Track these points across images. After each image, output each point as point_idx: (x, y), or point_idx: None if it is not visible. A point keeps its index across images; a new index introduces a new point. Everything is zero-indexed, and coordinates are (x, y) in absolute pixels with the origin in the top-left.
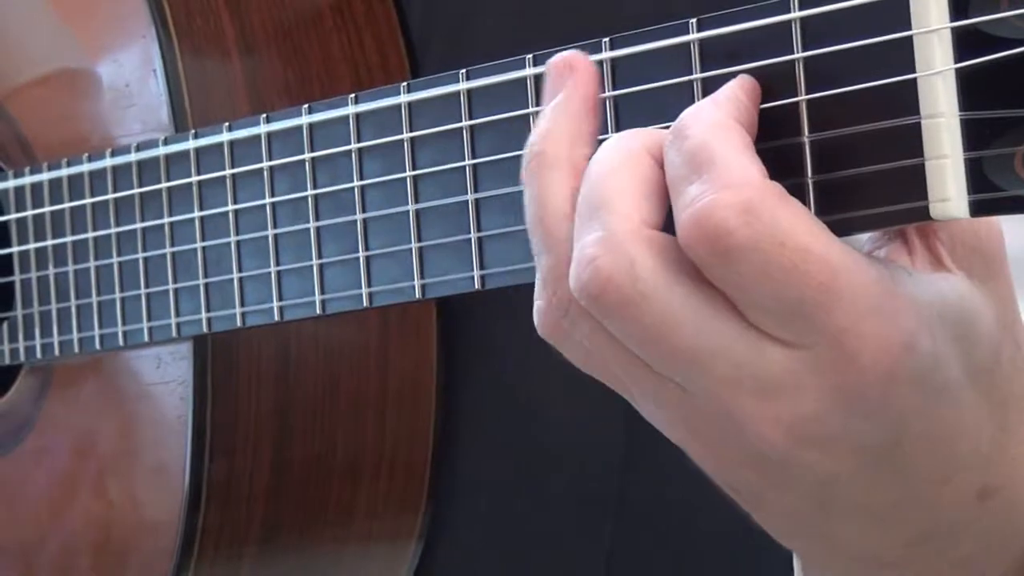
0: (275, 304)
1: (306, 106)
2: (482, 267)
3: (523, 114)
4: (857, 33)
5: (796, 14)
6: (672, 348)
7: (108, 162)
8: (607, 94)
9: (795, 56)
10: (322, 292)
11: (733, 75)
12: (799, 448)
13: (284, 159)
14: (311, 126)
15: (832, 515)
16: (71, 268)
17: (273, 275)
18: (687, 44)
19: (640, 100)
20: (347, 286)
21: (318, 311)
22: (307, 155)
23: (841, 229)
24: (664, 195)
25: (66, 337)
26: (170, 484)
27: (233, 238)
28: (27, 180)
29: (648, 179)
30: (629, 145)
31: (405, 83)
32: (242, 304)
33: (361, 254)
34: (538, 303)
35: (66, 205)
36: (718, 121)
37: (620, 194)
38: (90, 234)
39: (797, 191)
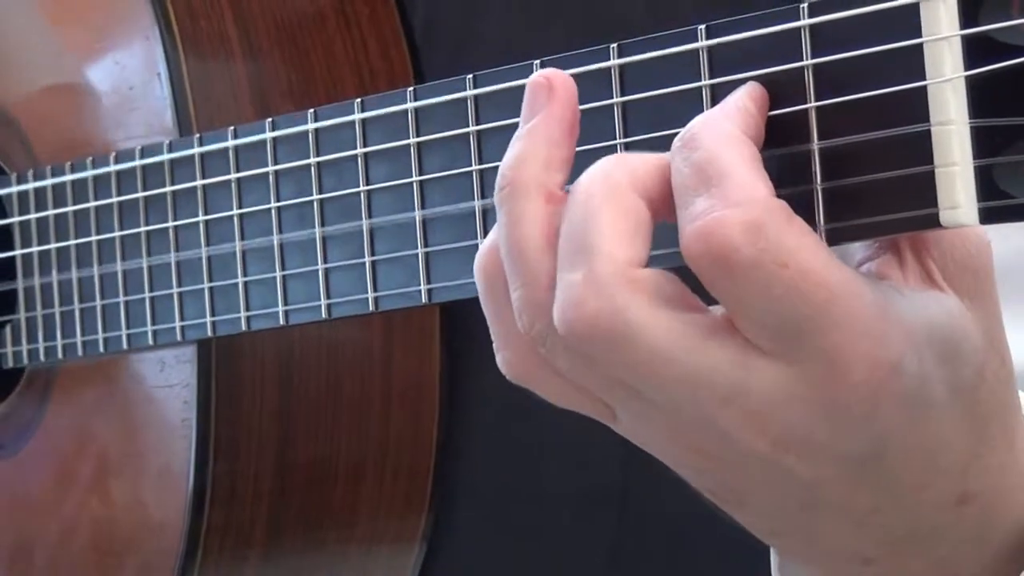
0: (280, 308)
1: (312, 111)
2: None
3: None
4: (867, 40)
5: (805, 21)
6: (663, 379)
7: (112, 167)
8: (615, 100)
9: (804, 63)
10: (328, 296)
11: (742, 83)
12: (783, 455)
13: (289, 164)
14: (317, 131)
15: (813, 516)
16: (74, 271)
17: (278, 279)
18: (696, 51)
19: (648, 106)
20: (353, 290)
21: (324, 315)
22: (312, 160)
23: (850, 236)
24: (649, 231)
25: (69, 340)
26: (174, 486)
27: (238, 242)
28: (30, 184)
29: (632, 216)
30: (614, 179)
31: (412, 88)
32: (247, 308)
33: (367, 259)
34: (504, 341)
35: (69, 208)
36: (729, 134)
37: (605, 233)
38: (94, 238)
39: (806, 198)
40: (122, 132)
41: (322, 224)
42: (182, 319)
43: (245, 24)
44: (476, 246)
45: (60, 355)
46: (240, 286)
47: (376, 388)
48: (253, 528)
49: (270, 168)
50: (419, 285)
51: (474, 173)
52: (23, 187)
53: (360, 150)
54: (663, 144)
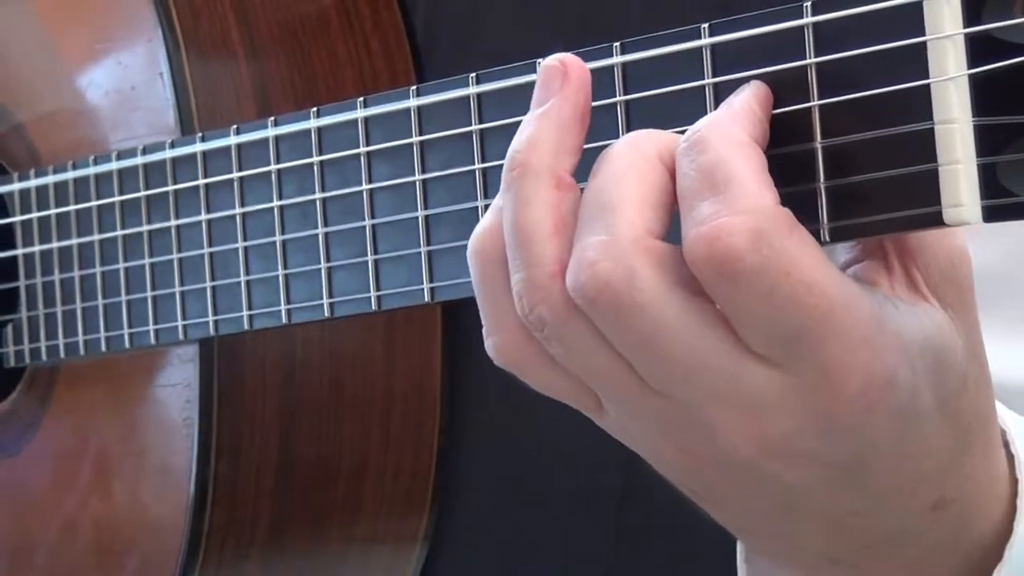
0: (283, 307)
1: (314, 109)
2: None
3: None
4: (870, 39)
5: (809, 19)
6: (663, 356)
7: (114, 165)
8: (619, 98)
9: (808, 61)
10: (330, 295)
11: (744, 81)
12: (768, 460)
13: (292, 162)
14: (319, 129)
15: (789, 518)
16: (76, 270)
17: (280, 278)
18: (699, 49)
19: (651, 104)
20: (355, 289)
21: (326, 314)
22: (315, 158)
23: (853, 233)
24: (671, 204)
25: (71, 339)
26: (176, 486)
27: (240, 241)
28: (32, 183)
29: (658, 187)
30: (643, 149)
31: (414, 87)
32: (249, 307)
33: (370, 257)
34: (497, 326)
35: (72, 208)
36: (737, 139)
37: (628, 200)
38: (96, 236)
39: (809, 196)
40: (125, 132)
41: (324, 223)
42: (184, 318)
43: (247, 24)
44: None
45: (62, 354)
46: (242, 285)
47: (377, 388)
48: (255, 528)
49: (272, 167)
50: (422, 284)
51: (476, 171)
52: (25, 184)
53: (363, 149)
54: None
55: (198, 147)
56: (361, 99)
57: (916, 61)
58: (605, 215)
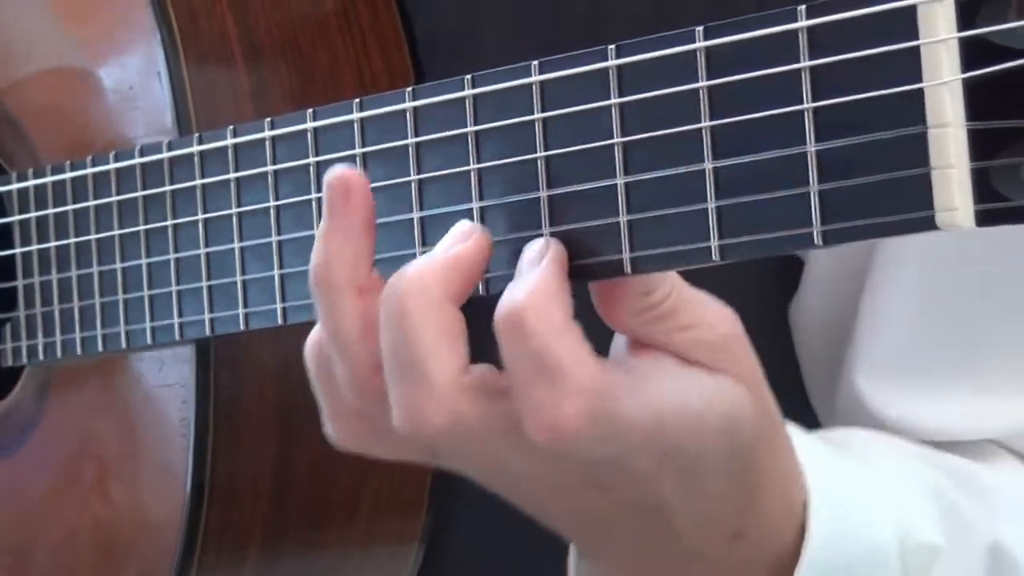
0: (278, 307)
1: (311, 111)
2: (487, 271)
3: (529, 120)
4: (864, 42)
5: (803, 23)
6: (479, 456)
7: (112, 165)
8: (612, 101)
9: (801, 65)
10: None
11: (739, 84)
12: (583, 490)
13: (288, 163)
14: (315, 130)
15: (606, 536)
16: (74, 270)
17: (276, 278)
18: (693, 52)
19: (646, 107)
20: None
21: None
22: (311, 159)
23: (846, 237)
24: (465, 331)
25: (68, 338)
26: (172, 486)
27: (237, 242)
28: (30, 182)
29: (456, 326)
30: (431, 296)
31: (410, 88)
32: (245, 306)
33: None
34: (334, 414)
35: (69, 207)
36: (560, 325)
37: (432, 349)
38: (93, 236)
39: (802, 200)
40: (122, 132)
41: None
42: (180, 317)
43: (246, 25)
44: None
45: (59, 353)
46: (239, 284)
47: None
48: (252, 528)
49: (269, 167)
50: None
51: (472, 173)
52: (23, 184)
53: (358, 150)
54: (660, 145)
55: (195, 148)
56: (357, 100)
57: (910, 65)
58: (417, 367)
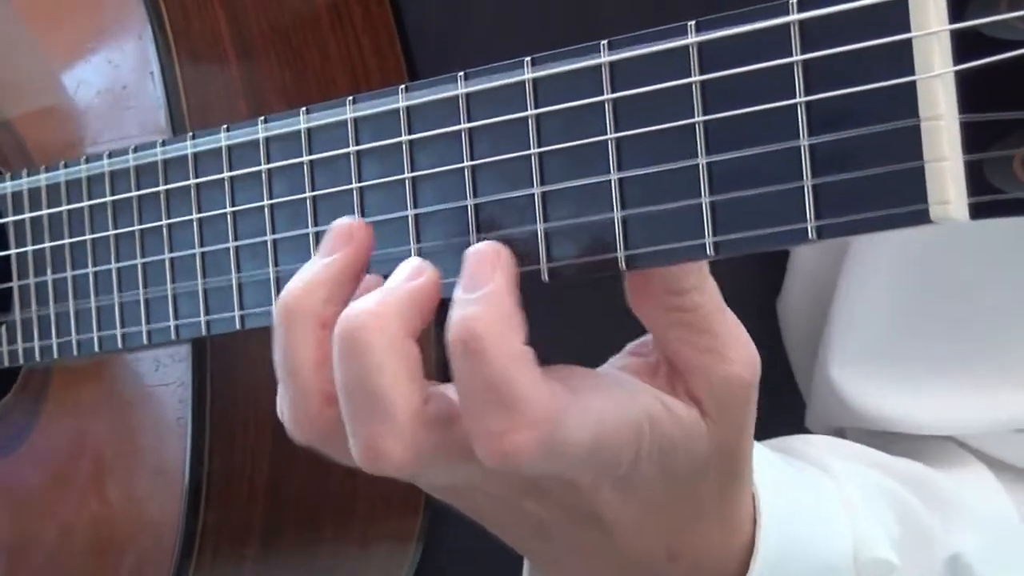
0: (274, 306)
1: (304, 109)
2: None
3: (522, 116)
4: (856, 36)
5: (795, 16)
6: (445, 483)
7: (106, 165)
8: (605, 96)
9: (794, 59)
10: None
11: (732, 78)
12: (523, 498)
13: (282, 162)
14: (309, 129)
15: (548, 544)
16: (69, 270)
17: (272, 277)
18: (685, 47)
19: (638, 103)
20: None
21: None
22: (305, 158)
23: (840, 231)
24: (421, 363)
25: (65, 339)
26: (170, 485)
27: (231, 241)
28: (24, 183)
29: (412, 359)
30: (390, 332)
31: (403, 86)
32: (241, 307)
33: None
34: (291, 416)
35: (63, 208)
36: (517, 351)
37: (395, 384)
38: (88, 236)
39: (796, 195)
40: (116, 132)
41: (315, 222)
42: (176, 318)
43: (238, 23)
44: (468, 243)
45: (55, 354)
46: (234, 284)
47: None
48: (249, 527)
49: (263, 166)
50: None
51: (466, 170)
52: (16, 184)
53: (352, 148)
54: (653, 141)
55: (189, 147)
56: (350, 98)
57: (902, 58)
58: (379, 404)
